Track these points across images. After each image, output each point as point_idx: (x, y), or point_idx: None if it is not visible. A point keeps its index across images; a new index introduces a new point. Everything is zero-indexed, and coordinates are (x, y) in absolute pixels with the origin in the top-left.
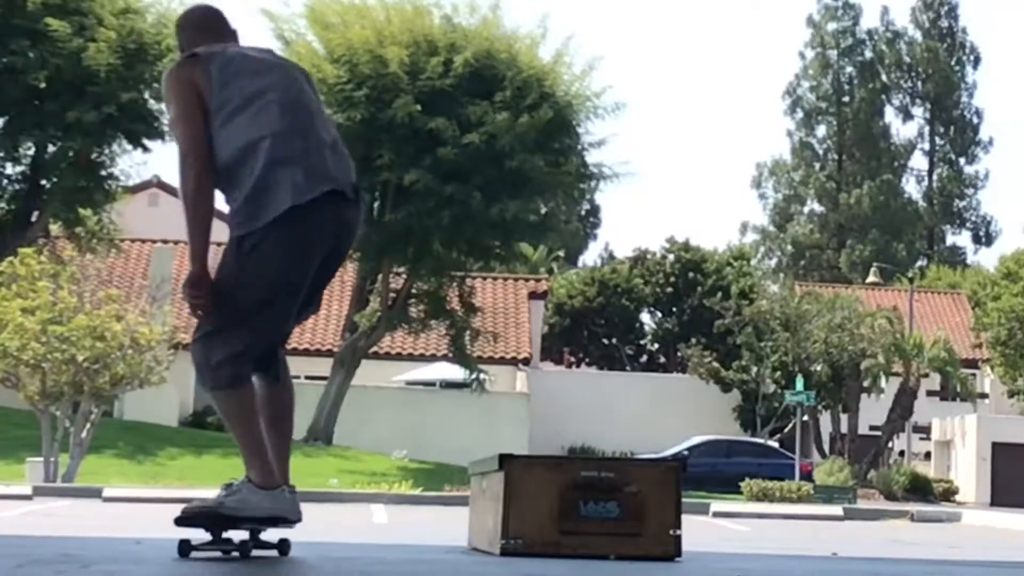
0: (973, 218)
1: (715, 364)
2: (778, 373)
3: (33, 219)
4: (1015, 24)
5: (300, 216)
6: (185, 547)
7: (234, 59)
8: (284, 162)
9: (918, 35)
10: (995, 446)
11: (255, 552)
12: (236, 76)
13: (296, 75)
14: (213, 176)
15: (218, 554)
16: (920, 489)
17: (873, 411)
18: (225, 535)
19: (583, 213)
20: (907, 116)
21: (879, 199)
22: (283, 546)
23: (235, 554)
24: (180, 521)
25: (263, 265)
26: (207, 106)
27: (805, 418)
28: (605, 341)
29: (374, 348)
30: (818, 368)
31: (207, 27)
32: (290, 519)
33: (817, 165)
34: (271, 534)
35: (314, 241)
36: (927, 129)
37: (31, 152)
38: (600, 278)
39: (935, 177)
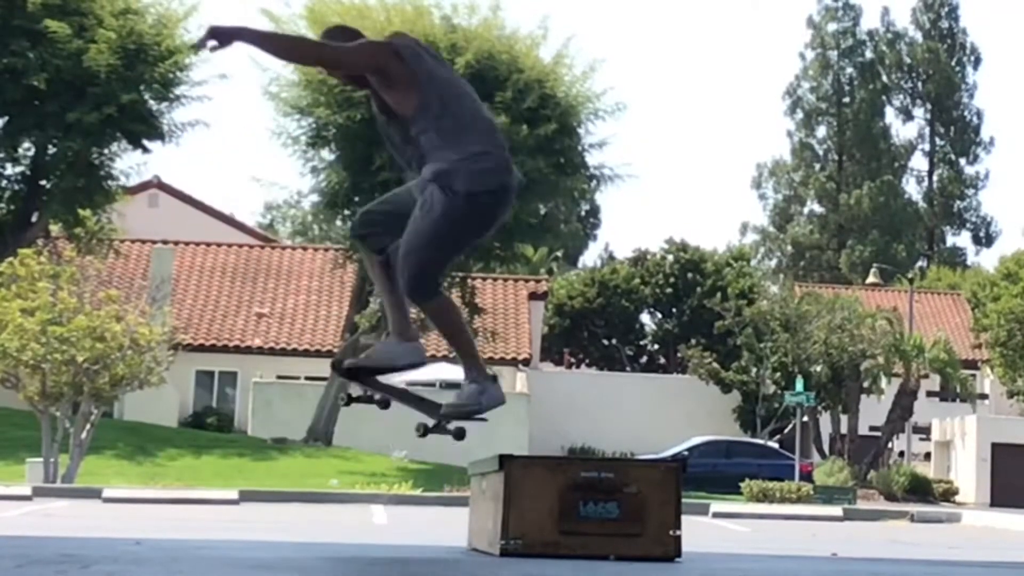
0: (973, 219)
1: (715, 365)
2: (778, 374)
3: (33, 220)
4: (1015, 25)
5: (501, 192)
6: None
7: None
8: (493, 148)
9: (919, 36)
10: (995, 447)
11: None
12: (450, 79)
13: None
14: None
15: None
16: (920, 490)
17: (873, 412)
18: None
19: (583, 214)
20: (907, 117)
21: (879, 200)
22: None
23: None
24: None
25: (470, 222)
26: (402, 72)
27: (805, 419)
28: (605, 342)
29: None
30: (818, 369)
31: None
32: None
33: (817, 166)
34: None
35: (501, 212)
36: (927, 130)
37: (31, 153)
38: (600, 279)
39: (935, 178)
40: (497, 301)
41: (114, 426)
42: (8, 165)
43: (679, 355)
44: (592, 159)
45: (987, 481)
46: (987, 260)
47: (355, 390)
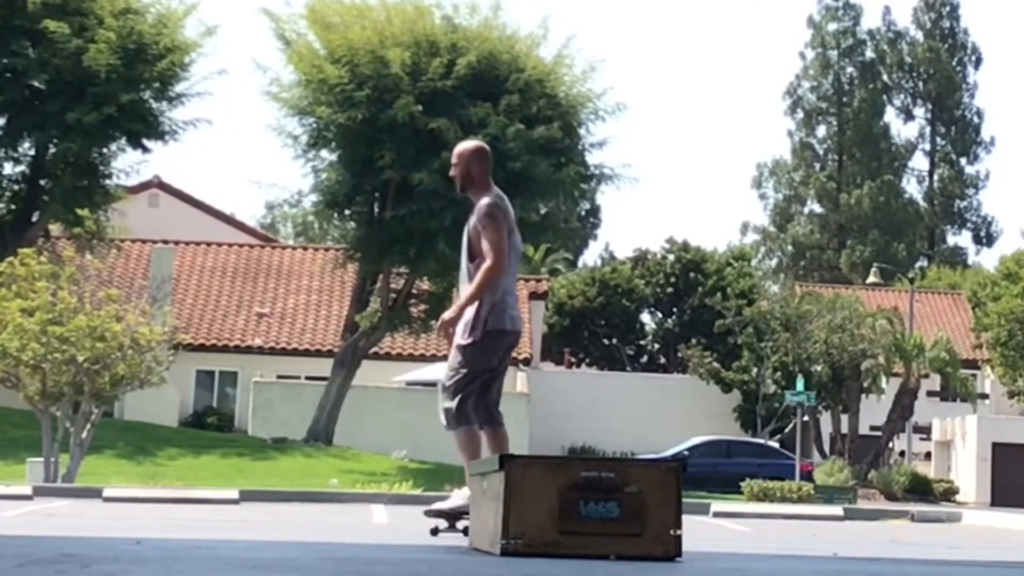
0: (974, 218)
1: (715, 364)
2: (778, 373)
3: (33, 220)
4: (1016, 24)
5: (508, 335)
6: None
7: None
8: (511, 297)
9: (919, 35)
10: (995, 446)
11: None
12: (514, 227)
13: None
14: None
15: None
16: (920, 489)
17: (873, 411)
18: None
19: (583, 213)
20: (908, 116)
21: (879, 199)
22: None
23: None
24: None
25: (487, 353)
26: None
27: (805, 418)
28: (605, 341)
29: (374, 348)
30: (818, 368)
31: (490, 161)
32: None
33: (817, 165)
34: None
35: (506, 348)
36: (928, 129)
37: (31, 153)
38: (600, 278)
39: (936, 177)
40: None
41: (114, 426)
42: (8, 165)
43: (679, 355)
44: (592, 159)
45: (987, 481)
46: (987, 260)
47: (437, 522)
